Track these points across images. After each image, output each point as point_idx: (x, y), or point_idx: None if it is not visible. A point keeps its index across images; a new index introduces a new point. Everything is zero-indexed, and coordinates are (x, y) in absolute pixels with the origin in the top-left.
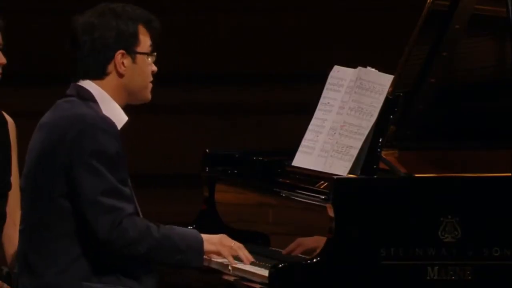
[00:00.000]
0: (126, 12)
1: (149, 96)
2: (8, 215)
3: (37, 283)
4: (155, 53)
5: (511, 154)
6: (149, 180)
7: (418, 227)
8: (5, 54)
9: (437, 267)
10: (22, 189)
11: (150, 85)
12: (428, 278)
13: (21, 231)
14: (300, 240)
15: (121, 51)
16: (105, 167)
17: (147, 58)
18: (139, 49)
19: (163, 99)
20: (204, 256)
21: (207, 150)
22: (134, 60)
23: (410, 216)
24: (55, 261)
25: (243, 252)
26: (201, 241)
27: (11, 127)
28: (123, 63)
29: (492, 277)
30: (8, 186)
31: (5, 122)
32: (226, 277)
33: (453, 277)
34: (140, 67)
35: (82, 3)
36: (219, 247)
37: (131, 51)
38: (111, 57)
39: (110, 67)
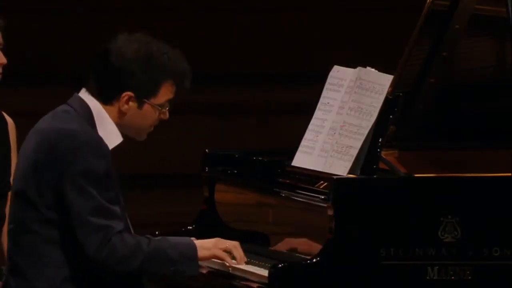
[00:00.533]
0: (163, 60)
1: (143, 138)
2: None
3: (23, 286)
4: (167, 108)
5: (511, 154)
6: (149, 180)
7: (418, 227)
8: (5, 54)
9: (437, 267)
10: (11, 191)
11: (150, 129)
12: (428, 278)
13: (9, 233)
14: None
15: (129, 93)
16: (93, 186)
17: (157, 110)
18: (152, 101)
19: None
20: (200, 263)
21: (207, 150)
22: (140, 107)
23: (410, 216)
24: (42, 267)
25: (238, 252)
26: (194, 249)
27: (11, 128)
28: (127, 103)
29: (492, 277)
30: (8, 187)
31: (5, 122)
32: (225, 277)
33: (453, 277)
34: (143, 114)
35: (82, 3)
36: (214, 250)
37: (141, 99)
38: (120, 94)
39: (115, 100)
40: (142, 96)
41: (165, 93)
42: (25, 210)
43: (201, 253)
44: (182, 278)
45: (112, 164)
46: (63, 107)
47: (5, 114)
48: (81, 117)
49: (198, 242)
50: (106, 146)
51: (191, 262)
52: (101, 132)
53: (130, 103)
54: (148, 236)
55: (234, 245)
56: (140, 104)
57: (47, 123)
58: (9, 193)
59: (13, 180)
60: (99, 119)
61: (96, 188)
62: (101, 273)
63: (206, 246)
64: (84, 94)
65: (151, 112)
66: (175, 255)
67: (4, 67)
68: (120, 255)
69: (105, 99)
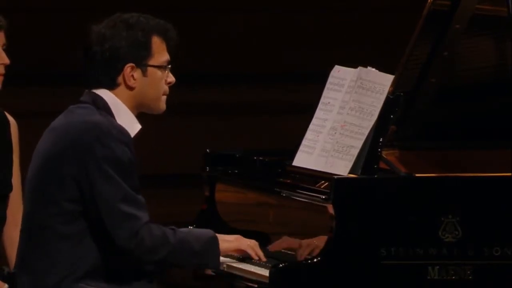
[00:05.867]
0: (139, 22)
1: (162, 107)
2: (9, 216)
3: (35, 284)
4: (169, 66)
5: (511, 154)
6: (150, 180)
7: (418, 226)
8: (7, 54)
9: (437, 267)
10: (26, 189)
11: (164, 97)
12: (428, 278)
13: (21, 231)
14: (286, 238)
15: (130, 64)
16: (118, 175)
17: (161, 71)
18: (150, 62)
19: None
20: (221, 257)
21: (207, 150)
22: (144, 73)
23: (411, 216)
24: (54, 264)
25: (258, 250)
26: (216, 242)
27: (13, 128)
28: (132, 76)
29: (493, 277)
30: (9, 187)
31: (7, 122)
32: (226, 277)
33: (453, 277)
34: (151, 80)
35: (82, 3)
36: (237, 243)
37: (141, 64)
38: (120, 69)
39: (120, 79)
40: (140, 60)
41: (159, 51)
42: (43, 207)
43: (223, 246)
44: (202, 271)
45: (134, 153)
46: (77, 104)
47: (7, 114)
48: (100, 109)
49: (219, 236)
50: (129, 135)
51: (213, 255)
52: (120, 121)
53: (134, 74)
54: (173, 227)
55: (255, 243)
56: (144, 70)
57: (65, 120)
58: (11, 194)
59: (27, 180)
60: (115, 109)
61: (121, 176)
62: (110, 264)
63: (229, 239)
64: (94, 90)
65: (157, 75)
66: (199, 248)
67: (6, 67)
68: (148, 246)
69: (111, 83)
